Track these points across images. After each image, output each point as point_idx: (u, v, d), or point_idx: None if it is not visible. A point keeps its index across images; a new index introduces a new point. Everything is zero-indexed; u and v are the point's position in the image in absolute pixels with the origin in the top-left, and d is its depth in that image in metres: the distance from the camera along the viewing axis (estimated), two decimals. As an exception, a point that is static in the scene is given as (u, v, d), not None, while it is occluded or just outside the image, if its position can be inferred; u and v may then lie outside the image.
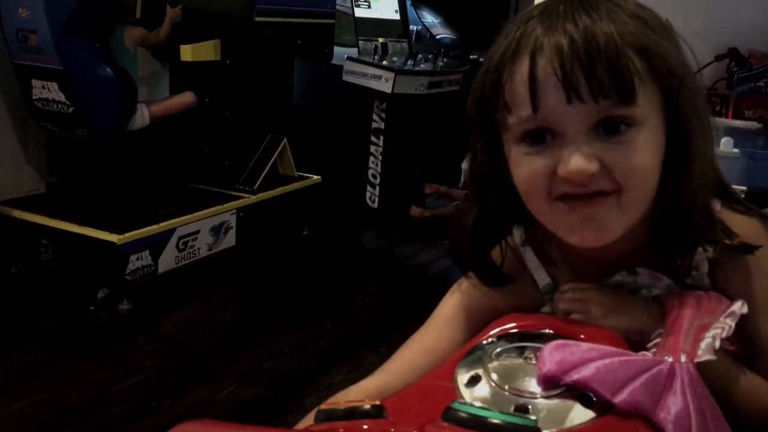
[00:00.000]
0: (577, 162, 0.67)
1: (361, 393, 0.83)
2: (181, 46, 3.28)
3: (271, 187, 3.65)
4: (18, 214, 3.06)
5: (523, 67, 0.68)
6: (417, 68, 4.29)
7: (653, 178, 0.70)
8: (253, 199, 3.52)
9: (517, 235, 0.83)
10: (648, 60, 0.67)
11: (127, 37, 3.04)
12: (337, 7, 4.10)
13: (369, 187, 4.24)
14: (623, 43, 0.66)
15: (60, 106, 2.93)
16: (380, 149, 4.18)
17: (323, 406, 0.59)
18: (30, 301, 2.95)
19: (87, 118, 2.94)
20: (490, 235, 0.81)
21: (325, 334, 2.88)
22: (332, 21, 3.97)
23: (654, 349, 0.67)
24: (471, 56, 5.33)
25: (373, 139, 4.17)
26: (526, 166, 0.70)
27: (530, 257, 0.83)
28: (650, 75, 0.67)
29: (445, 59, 4.63)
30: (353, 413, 0.57)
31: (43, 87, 2.93)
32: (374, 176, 4.22)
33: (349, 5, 4.29)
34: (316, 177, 3.98)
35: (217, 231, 3.35)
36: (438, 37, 5.36)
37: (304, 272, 3.47)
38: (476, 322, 0.83)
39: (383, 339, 2.81)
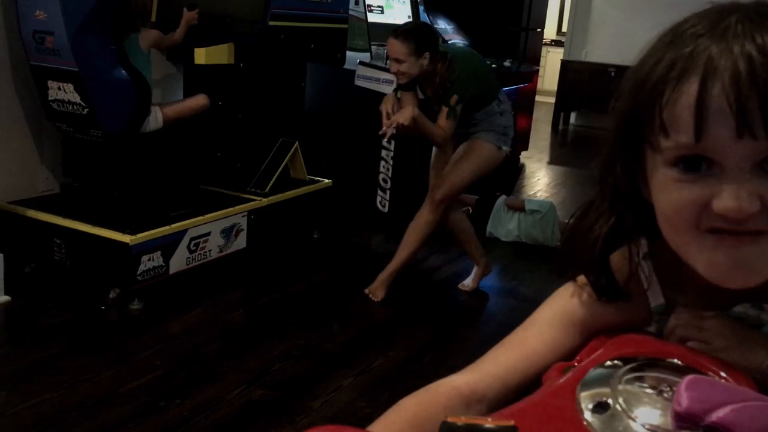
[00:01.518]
0: (736, 200, 0.61)
1: (451, 390, 0.78)
2: (195, 49, 3.31)
3: (282, 191, 3.68)
4: (32, 213, 3.09)
5: (691, 90, 0.61)
6: (429, 74, 4.29)
7: None
8: (264, 201, 3.55)
9: (642, 246, 0.78)
10: None
11: (142, 39, 3.07)
12: (350, 12, 4.12)
13: (379, 192, 4.26)
14: None
15: (75, 107, 2.96)
16: (391, 154, 4.20)
17: (449, 419, 0.57)
18: (42, 299, 2.98)
19: (101, 120, 2.97)
20: (615, 248, 0.77)
21: (334, 336, 2.89)
22: (345, 26, 3.99)
23: None
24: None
25: (384, 143, 4.18)
26: (675, 194, 0.65)
27: (649, 273, 0.78)
28: None
29: (457, 65, 4.63)
30: (477, 430, 0.56)
31: (59, 88, 2.96)
32: (385, 180, 4.23)
33: (362, 11, 4.31)
34: (327, 181, 4.00)
35: (228, 233, 3.37)
36: (450, 42, 5.37)
37: (313, 275, 3.48)
38: (579, 331, 0.80)
39: (391, 342, 2.82)
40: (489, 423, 0.56)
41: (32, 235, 3.10)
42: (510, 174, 6.01)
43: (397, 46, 3.03)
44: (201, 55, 3.31)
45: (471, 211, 4.38)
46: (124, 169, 3.15)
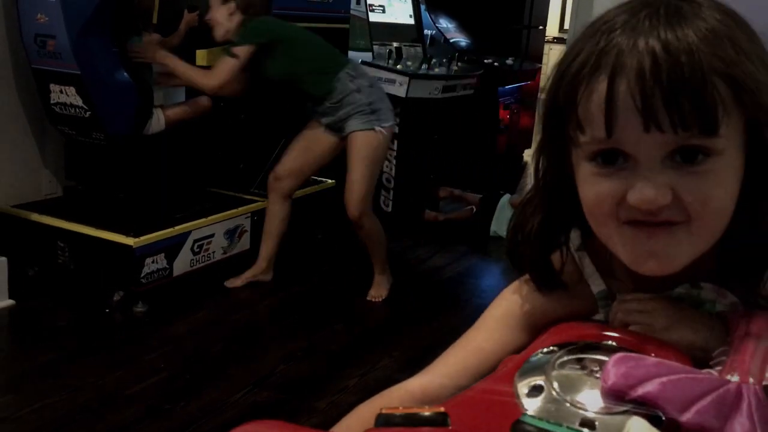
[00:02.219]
0: (648, 192, 0.64)
1: (405, 393, 0.81)
2: (197, 51, 3.30)
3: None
4: (36, 217, 3.09)
5: (600, 87, 0.64)
6: (431, 72, 4.29)
7: (728, 209, 0.67)
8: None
9: (575, 239, 0.81)
10: (734, 89, 0.63)
11: (144, 42, 3.07)
12: (352, 12, 4.12)
13: (383, 191, 4.25)
14: (710, 69, 0.62)
15: (77, 110, 2.96)
16: (394, 153, 4.19)
17: (384, 411, 0.57)
18: (46, 303, 2.98)
19: (104, 122, 2.97)
20: (551, 240, 0.79)
21: (338, 337, 2.89)
22: (346, 26, 3.98)
23: (719, 368, 0.65)
24: (485, 60, 5.34)
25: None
26: (594, 187, 0.68)
27: (586, 263, 0.81)
28: (735, 104, 0.63)
29: (459, 63, 4.64)
30: (415, 419, 0.56)
31: (61, 91, 2.96)
32: (388, 180, 4.23)
33: (364, 10, 4.30)
34: (330, 181, 3.99)
35: (232, 234, 3.36)
36: (452, 41, 5.37)
37: (317, 276, 3.47)
38: (528, 326, 0.82)
39: (396, 342, 2.81)
40: (425, 410, 0.57)
41: (36, 238, 3.10)
42: (514, 172, 6.00)
43: None
44: (202, 57, 3.30)
45: (475, 210, 4.37)
46: (126, 172, 3.15)
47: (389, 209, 4.26)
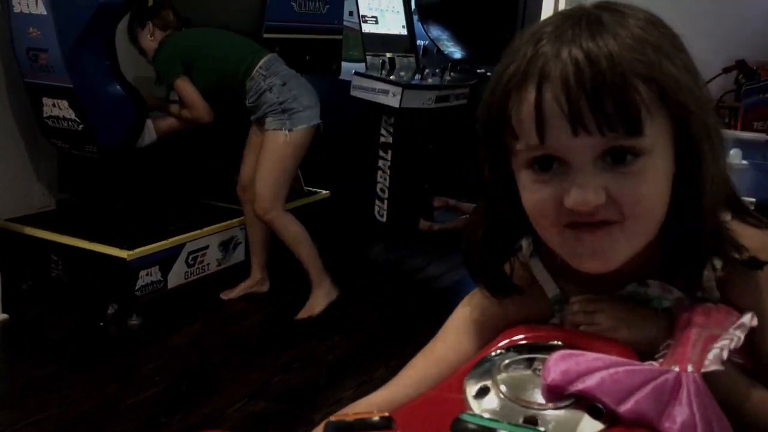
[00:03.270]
0: (582, 194, 0.66)
1: (369, 406, 0.83)
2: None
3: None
4: (29, 230, 3.08)
5: (530, 96, 0.67)
6: (424, 83, 4.30)
7: (660, 206, 0.70)
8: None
9: (526, 246, 0.83)
10: (656, 90, 0.66)
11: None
12: (345, 23, 4.13)
13: (377, 201, 4.25)
14: (631, 72, 0.65)
15: (70, 123, 2.96)
16: (388, 163, 4.19)
17: (332, 418, 0.59)
18: (40, 316, 2.96)
19: (97, 135, 2.97)
20: (500, 248, 0.81)
21: (334, 347, 2.88)
22: (340, 37, 4.00)
23: (661, 360, 0.67)
24: (478, 70, 5.35)
25: (381, 153, 4.18)
26: (534, 194, 0.70)
27: (539, 268, 0.83)
28: (658, 104, 0.66)
29: (452, 73, 4.65)
30: (362, 425, 0.58)
31: (54, 105, 2.96)
32: (383, 190, 4.23)
33: (357, 21, 4.32)
34: (324, 192, 3.99)
35: (227, 246, 3.36)
36: (445, 51, 5.39)
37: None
38: (487, 334, 0.84)
39: (392, 353, 2.80)
40: (374, 415, 0.59)
41: (29, 251, 3.09)
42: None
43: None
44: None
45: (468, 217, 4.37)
46: (120, 185, 3.15)
47: (384, 219, 4.26)
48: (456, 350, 0.86)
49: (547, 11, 5.83)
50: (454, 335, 0.88)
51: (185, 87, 3.00)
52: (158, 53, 3.03)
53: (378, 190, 4.23)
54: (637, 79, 0.65)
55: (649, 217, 0.69)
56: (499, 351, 0.72)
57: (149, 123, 3.12)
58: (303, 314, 3.10)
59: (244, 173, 3.21)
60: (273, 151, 3.01)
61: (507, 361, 0.69)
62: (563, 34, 0.67)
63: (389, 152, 4.17)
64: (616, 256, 0.70)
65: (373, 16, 4.49)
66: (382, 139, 4.16)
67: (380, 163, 4.20)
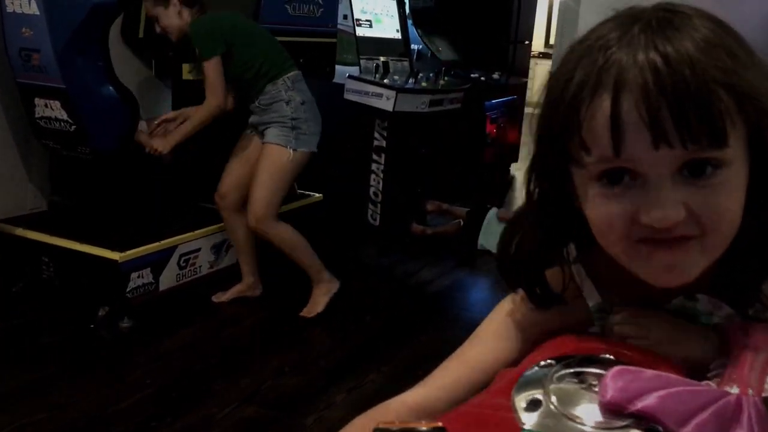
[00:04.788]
0: (662, 211, 0.63)
1: (401, 406, 0.80)
2: (183, 64, 3.30)
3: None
4: (20, 232, 3.06)
5: (604, 106, 0.63)
6: (418, 87, 4.31)
7: (738, 219, 0.66)
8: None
9: (571, 252, 0.80)
10: (735, 97, 0.62)
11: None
12: (339, 26, 4.13)
13: (370, 205, 4.24)
14: (712, 80, 0.61)
15: (62, 124, 2.95)
16: (381, 167, 4.19)
17: (381, 425, 0.57)
18: (31, 319, 2.94)
19: (89, 137, 2.95)
20: (548, 257, 0.79)
21: (326, 352, 2.87)
22: (334, 40, 3.99)
23: (717, 380, 0.65)
24: (472, 75, 5.36)
25: (374, 156, 4.18)
26: (603, 208, 0.67)
27: (582, 275, 0.80)
28: (738, 113, 0.63)
29: (446, 78, 4.65)
30: None
31: (46, 105, 2.94)
32: (375, 194, 4.22)
33: (351, 25, 4.32)
34: (317, 195, 3.98)
35: (219, 249, 3.34)
36: (439, 56, 5.39)
37: (304, 290, 3.45)
38: (524, 338, 0.82)
39: (384, 357, 2.80)
40: (422, 425, 0.57)
41: (20, 253, 3.07)
42: (501, 186, 6.02)
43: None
44: (188, 70, 3.30)
45: (462, 223, 4.38)
46: (112, 186, 3.13)
47: (377, 223, 4.26)
48: (492, 354, 0.83)
49: (540, 18, 5.84)
50: (491, 339, 0.84)
51: (217, 68, 2.92)
52: (198, 28, 2.93)
53: (371, 193, 4.23)
54: (717, 86, 0.61)
55: (728, 231, 0.66)
56: (548, 361, 0.69)
57: (143, 125, 3.11)
58: (306, 312, 3.14)
59: (226, 181, 3.17)
60: (274, 165, 3.01)
61: (558, 374, 0.66)
62: (634, 38, 0.63)
63: (382, 156, 4.16)
64: (692, 270, 0.67)
65: (367, 20, 4.49)
66: (376, 143, 4.16)
67: (373, 166, 4.20)
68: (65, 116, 2.92)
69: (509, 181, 6.32)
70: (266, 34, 3.18)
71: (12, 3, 2.83)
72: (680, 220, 0.63)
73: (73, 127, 2.93)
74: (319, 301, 3.17)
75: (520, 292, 0.82)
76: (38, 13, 2.78)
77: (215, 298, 3.21)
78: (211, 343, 2.89)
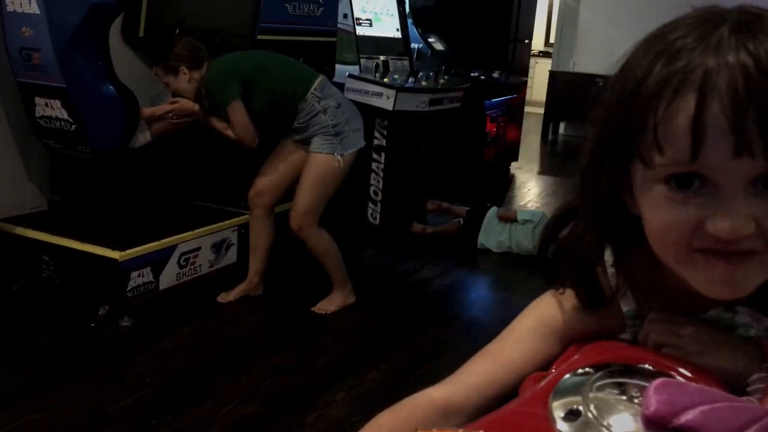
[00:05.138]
0: (732, 223, 0.60)
1: (428, 402, 0.78)
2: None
3: (279, 203, 3.65)
4: (20, 231, 3.07)
5: (688, 107, 0.60)
6: (418, 86, 4.31)
7: None
8: (251, 218, 3.52)
9: (608, 256, 0.78)
10: None
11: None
12: (339, 25, 4.13)
13: (370, 204, 4.25)
14: None
15: (63, 123, 2.95)
16: (382, 166, 4.19)
17: (420, 431, 0.56)
18: (31, 318, 2.95)
19: (89, 136, 2.95)
20: (597, 257, 0.77)
21: (326, 350, 2.88)
22: (334, 39, 3.99)
23: (758, 396, 0.63)
24: (472, 74, 5.36)
25: (374, 155, 4.18)
26: (668, 212, 0.64)
27: (619, 280, 0.78)
28: None
29: (446, 77, 4.66)
30: None
31: (46, 105, 2.95)
32: (376, 193, 4.23)
33: (351, 24, 4.32)
34: (317, 194, 3.97)
35: (219, 248, 3.35)
36: (439, 55, 5.39)
37: (305, 289, 3.46)
38: (557, 340, 0.80)
39: (384, 356, 2.80)
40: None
41: (20, 252, 3.07)
42: (501, 185, 6.02)
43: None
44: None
45: (462, 222, 4.38)
46: (112, 185, 3.13)
47: (377, 222, 4.26)
48: (526, 353, 0.80)
49: (540, 17, 5.84)
50: (526, 339, 0.82)
51: (239, 110, 2.98)
52: (212, 80, 2.99)
53: (371, 192, 4.23)
54: None
55: None
56: (586, 369, 0.68)
57: (144, 124, 3.11)
58: (318, 308, 3.21)
59: (265, 180, 3.19)
60: (321, 174, 3.06)
61: (599, 383, 0.65)
62: (723, 39, 0.61)
63: (382, 155, 4.17)
64: (750, 285, 0.64)
65: (367, 19, 4.49)
66: (376, 142, 4.16)
67: (373, 165, 4.20)
68: (65, 115, 2.92)
69: (509, 179, 6.32)
70: (277, 56, 3.21)
71: (12, 2, 2.84)
72: (748, 234, 0.61)
73: (74, 126, 2.93)
74: (334, 302, 3.23)
75: (560, 290, 0.80)
76: (38, 12, 2.78)
77: (221, 299, 3.22)
78: (212, 342, 2.89)
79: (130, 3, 3.09)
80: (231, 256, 3.41)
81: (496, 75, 5.72)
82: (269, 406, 2.42)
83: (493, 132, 5.83)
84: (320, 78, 3.12)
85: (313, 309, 3.20)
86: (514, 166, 6.58)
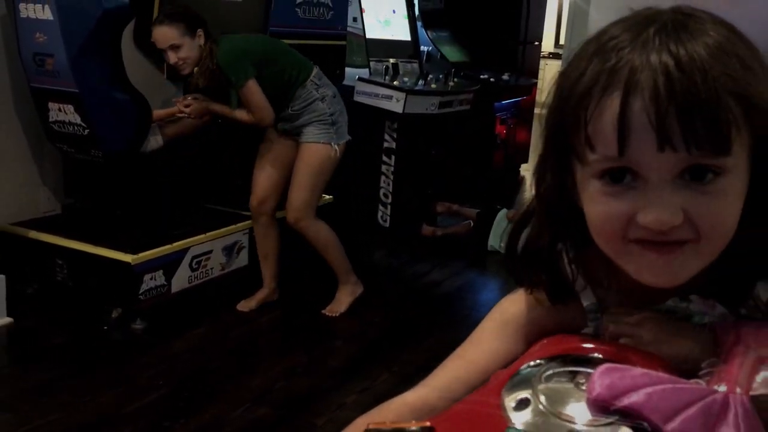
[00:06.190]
0: (661, 213, 0.64)
1: (402, 406, 0.82)
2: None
3: (282, 207, 3.67)
4: (34, 234, 3.09)
5: (613, 105, 0.63)
6: (428, 88, 4.32)
7: (734, 226, 0.67)
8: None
9: (567, 251, 0.80)
10: (744, 107, 0.63)
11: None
12: (349, 29, 4.14)
13: (380, 207, 4.26)
14: (722, 87, 0.62)
15: (76, 128, 2.97)
16: (392, 168, 4.20)
17: (371, 426, 0.58)
18: (44, 320, 2.97)
19: (102, 140, 2.98)
20: (556, 252, 0.79)
21: (337, 352, 2.89)
22: (344, 42, 4.01)
23: (707, 378, 0.65)
24: (481, 76, 5.36)
25: (384, 158, 4.19)
26: (603, 206, 0.67)
27: (577, 276, 0.80)
28: (745, 122, 0.63)
29: (455, 79, 4.66)
30: None
31: (60, 109, 2.97)
32: (386, 195, 4.24)
33: (361, 27, 4.33)
34: (327, 197, 3.99)
35: (230, 250, 3.37)
36: (448, 57, 5.40)
37: (315, 291, 3.47)
38: (521, 338, 0.82)
39: (395, 358, 2.81)
40: (412, 425, 0.59)
41: (34, 256, 3.10)
42: (510, 187, 6.02)
43: (167, 32, 2.84)
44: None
45: (472, 224, 4.38)
46: (125, 189, 3.16)
47: (387, 224, 4.27)
48: (489, 354, 0.84)
49: (550, 19, 5.84)
50: (487, 338, 0.85)
51: (255, 89, 2.91)
52: (225, 55, 2.90)
53: (381, 195, 4.24)
54: (727, 95, 0.62)
55: (723, 237, 0.67)
56: (538, 361, 0.70)
57: (156, 128, 3.14)
58: (329, 311, 3.19)
59: (264, 186, 3.16)
60: (318, 165, 3.02)
61: (547, 373, 0.67)
62: (649, 40, 0.64)
63: (392, 157, 4.18)
64: (684, 273, 0.68)
65: (377, 22, 4.50)
66: (386, 145, 4.18)
67: (383, 168, 4.21)
68: (78, 120, 2.95)
69: (519, 181, 6.32)
70: (282, 43, 3.18)
71: (26, 8, 2.87)
72: (677, 224, 0.64)
73: (86, 130, 2.96)
74: (342, 301, 3.21)
75: (517, 290, 0.83)
76: (52, 18, 2.81)
77: (241, 307, 3.20)
78: (223, 345, 2.91)
79: (142, 8, 3.11)
80: (242, 259, 3.43)
81: (505, 77, 5.72)
82: (280, 408, 2.44)
83: (503, 134, 5.83)
84: (317, 68, 3.11)
85: (323, 312, 3.19)
86: (524, 168, 6.57)
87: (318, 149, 3.02)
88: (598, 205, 0.68)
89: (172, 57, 2.88)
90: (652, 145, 0.62)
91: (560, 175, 0.73)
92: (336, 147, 3.03)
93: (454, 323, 3.27)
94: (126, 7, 2.91)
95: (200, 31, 2.89)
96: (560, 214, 0.75)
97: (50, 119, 3.03)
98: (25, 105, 3.17)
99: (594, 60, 0.66)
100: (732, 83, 0.62)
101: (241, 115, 3.00)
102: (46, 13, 2.82)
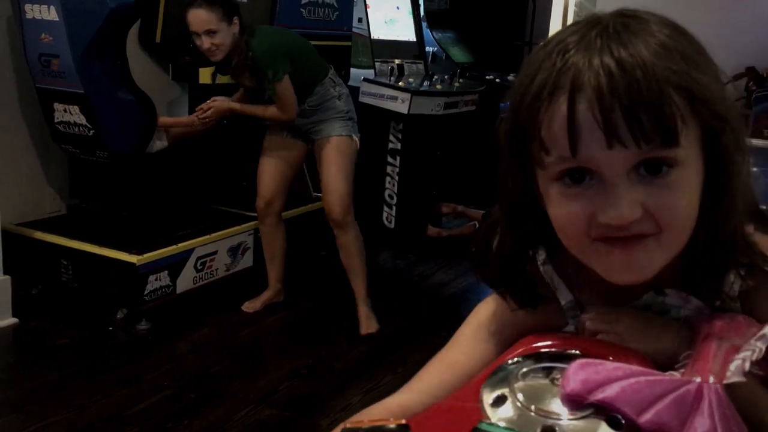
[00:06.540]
0: (617, 210, 0.65)
1: (385, 411, 0.83)
2: (200, 69, 3.32)
3: (287, 208, 3.66)
4: (39, 235, 3.10)
5: (561, 108, 0.65)
6: (433, 89, 4.31)
7: (694, 216, 0.69)
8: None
9: (540, 254, 0.82)
10: (689, 99, 0.65)
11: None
12: (354, 29, 4.14)
13: (386, 208, 4.25)
14: (665, 82, 0.63)
15: (81, 128, 2.98)
16: (397, 169, 4.20)
17: (348, 425, 0.59)
18: (49, 321, 2.97)
19: (107, 141, 2.98)
20: (523, 257, 0.81)
21: (342, 354, 2.88)
22: (349, 43, 4.01)
23: (682, 370, 0.66)
24: (487, 77, 5.35)
25: (389, 159, 4.19)
26: (563, 208, 0.69)
27: (553, 275, 0.82)
28: (690, 114, 0.65)
29: (461, 80, 4.65)
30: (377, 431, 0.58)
31: (65, 110, 2.98)
32: (391, 196, 4.23)
33: (366, 28, 4.33)
34: (332, 197, 3.98)
35: (235, 251, 3.36)
36: (454, 58, 5.39)
37: (320, 292, 3.47)
38: (501, 339, 0.84)
39: (400, 359, 2.80)
40: (389, 423, 0.60)
41: (39, 256, 3.11)
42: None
43: (204, 16, 2.75)
44: (206, 75, 3.32)
45: (477, 225, 4.37)
46: (130, 190, 3.16)
47: (392, 225, 4.26)
48: (469, 356, 0.85)
49: (555, 19, 5.84)
50: (467, 341, 0.87)
51: (289, 85, 2.88)
52: (264, 51, 2.83)
53: (386, 196, 4.23)
54: (670, 89, 0.64)
55: (684, 228, 0.68)
56: (516, 359, 0.71)
57: (160, 129, 3.14)
58: (364, 330, 3.04)
59: (270, 186, 3.13)
60: (348, 155, 3.01)
61: (524, 370, 0.68)
62: (591, 42, 0.66)
63: (397, 158, 4.17)
64: (651, 267, 0.69)
65: (382, 23, 4.50)
66: (391, 146, 4.17)
67: (388, 169, 4.20)
68: (84, 121, 2.95)
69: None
70: (304, 40, 3.14)
71: (31, 9, 2.87)
72: (636, 219, 0.65)
73: (92, 131, 2.96)
74: (374, 318, 3.08)
75: (493, 294, 0.85)
76: (57, 19, 2.81)
77: (246, 308, 3.19)
78: (228, 345, 2.90)
79: (147, 9, 3.12)
80: (247, 260, 3.43)
81: (511, 77, 5.70)
82: (285, 409, 2.43)
83: (509, 135, 5.81)
84: (331, 67, 3.13)
85: (361, 334, 3.02)
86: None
87: (344, 141, 3.01)
88: (560, 207, 0.69)
89: (206, 42, 2.80)
90: (601, 143, 0.64)
91: (523, 181, 0.74)
92: (357, 140, 3.05)
93: (459, 324, 3.25)
94: (131, 8, 2.91)
95: (236, 19, 2.83)
96: (527, 220, 0.76)
97: (56, 120, 3.04)
98: (30, 106, 3.17)
99: (543, 65, 0.68)
100: (675, 77, 0.64)
101: (265, 111, 2.98)
102: (51, 14, 2.82)
